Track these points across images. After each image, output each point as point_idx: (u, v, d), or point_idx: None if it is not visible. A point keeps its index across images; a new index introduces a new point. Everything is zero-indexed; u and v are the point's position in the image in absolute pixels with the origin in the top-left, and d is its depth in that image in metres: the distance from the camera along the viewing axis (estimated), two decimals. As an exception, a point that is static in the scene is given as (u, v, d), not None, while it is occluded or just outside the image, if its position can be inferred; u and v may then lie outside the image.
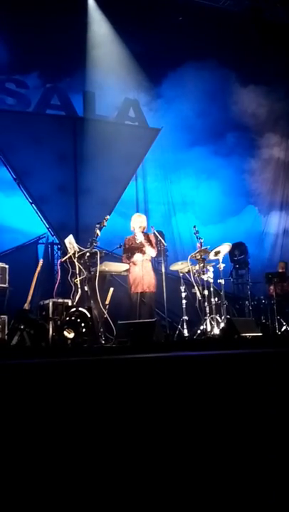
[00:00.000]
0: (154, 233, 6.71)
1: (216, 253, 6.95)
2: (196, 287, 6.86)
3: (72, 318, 5.68)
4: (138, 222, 6.58)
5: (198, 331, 6.61)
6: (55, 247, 9.61)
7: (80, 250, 6.19)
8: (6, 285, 6.84)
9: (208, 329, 6.56)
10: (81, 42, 10.05)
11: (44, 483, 1.94)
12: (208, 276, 6.84)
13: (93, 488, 1.91)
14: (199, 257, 6.80)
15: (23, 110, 10.02)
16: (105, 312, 6.03)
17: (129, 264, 6.49)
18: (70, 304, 6.32)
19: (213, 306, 6.77)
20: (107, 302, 6.17)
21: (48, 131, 9.89)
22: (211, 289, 6.87)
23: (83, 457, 2.08)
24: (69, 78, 10.54)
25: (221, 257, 6.98)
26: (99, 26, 10.37)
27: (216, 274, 7.00)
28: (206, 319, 6.60)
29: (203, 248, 6.82)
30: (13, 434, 2.17)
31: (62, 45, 9.61)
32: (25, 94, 10.08)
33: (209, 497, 1.89)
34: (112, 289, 6.31)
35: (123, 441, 2.17)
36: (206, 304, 6.70)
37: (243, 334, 5.89)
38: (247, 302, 8.80)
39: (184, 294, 6.94)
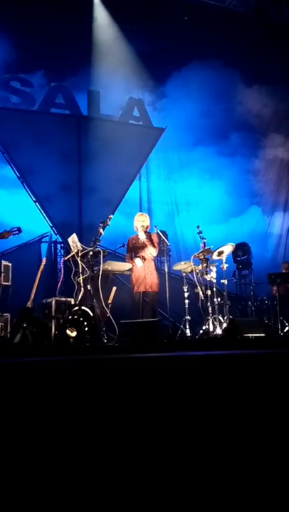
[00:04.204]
0: (157, 233, 6.72)
1: (219, 253, 6.94)
2: (198, 287, 6.86)
3: (75, 316, 5.69)
4: (140, 221, 6.59)
5: (201, 331, 6.61)
6: (59, 246, 9.61)
7: (84, 249, 6.20)
8: (9, 283, 6.85)
9: (211, 329, 6.55)
10: (86, 41, 10.05)
11: (46, 480, 1.95)
12: (211, 276, 6.83)
13: (97, 485, 1.91)
14: (202, 257, 6.80)
15: (27, 109, 10.02)
16: (108, 311, 6.03)
17: (132, 263, 6.49)
18: (72, 302, 6.33)
19: (216, 306, 6.77)
20: (109, 301, 6.17)
21: (52, 130, 9.90)
22: (214, 289, 6.86)
23: (83, 455, 2.08)
24: (74, 77, 10.55)
25: (224, 257, 6.97)
26: (104, 26, 10.37)
27: (219, 275, 6.99)
28: (208, 319, 6.60)
29: (206, 248, 6.81)
30: (14, 433, 2.17)
31: (67, 44, 9.61)
32: (30, 92, 10.09)
33: (210, 497, 1.89)
34: (114, 288, 6.31)
35: (124, 440, 2.17)
36: (208, 304, 6.70)
37: (246, 334, 5.88)
38: (250, 303, 8.79)
39: (186, 294, 6.93)
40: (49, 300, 6.68)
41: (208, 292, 6.75)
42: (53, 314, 6.50)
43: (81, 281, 6.15)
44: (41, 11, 9.21)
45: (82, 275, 6.15)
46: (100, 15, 10.33)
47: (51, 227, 9.66)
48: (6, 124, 9.51)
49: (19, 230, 6.62)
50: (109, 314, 6.03)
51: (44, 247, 9.61)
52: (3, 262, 6.91)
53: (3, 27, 9.27)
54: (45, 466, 2.02)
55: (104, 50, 10.24)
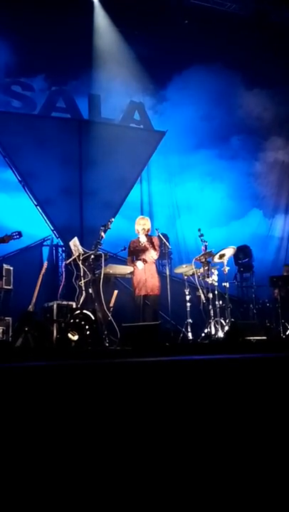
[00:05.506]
0: (158, 236, 6.71)
1: (221, 256, 6.94)
2: (200, 290, 6.85)
3: (77, 320, 5.67)
4: (142, 224, 6.58)
5: (203, 334, 6.60)
6: (60, 249, 9.63)
7: (85, 252, 6.20)
8: (11, 287, 6.86)
9: (213, 332, 6.55)
10: (87, 45, 10.09)
11: (48, 485, 1.94)
12: (213, 279, 6.83)
13: (101, 489, 1.91)
14: (204, 260, 6.80)
15: (28, 113, 10.06)
16: (109, 315, 6.03)
17: (133, 266, 6.49)
18: (74, 306, 6.32)
19: (218, 309, 6.76)
20: (111, 305, 6.17)
21: (53, 134, 9.93)
22: (216, 292, 6.86)
23: (85, 460, 2.07)
24: (75, 81, 10.59)
25: (225, 260, 6.97)
26: (105, 30, 10.40)
27: (221, 277, 6.99)
28: (210, 322, 6.59)
29: (207, 251, 6.81)
30: (15, 437, 2.17)
31: (68, 48, 9.64)
32: (31, 96, 10.13)
33: (212, 499, 1.88)
34: (116, 292, 6.31)
35: (126, 445, 2.17)
36: (210, 307, 6.69)
37: (248, 338, 5.87)
38: (251, 305, 8.79)
39: (188, 297, 6.93)
40: (51, 304, 6.68)
41: (210, 295, 6.75)
42: (55, 318, 6.50)
43: (82, 284, 6.15)
44: (42, 16, 9.24)
45: (84, 279, 6.15)
46: (101, 19, 10.37)
47: (52, 230, 9.67)
48: (7, 128, 9.54)
49: (20, 234, 6.62)
50: (110, 318, 6.02)
51: (45, 250, 9.63)
52: (5, 266, 6.92)
53: (4, 31, 9.31)
54: (47, 470, 2.02)
55: (105, 54, 10.28)
